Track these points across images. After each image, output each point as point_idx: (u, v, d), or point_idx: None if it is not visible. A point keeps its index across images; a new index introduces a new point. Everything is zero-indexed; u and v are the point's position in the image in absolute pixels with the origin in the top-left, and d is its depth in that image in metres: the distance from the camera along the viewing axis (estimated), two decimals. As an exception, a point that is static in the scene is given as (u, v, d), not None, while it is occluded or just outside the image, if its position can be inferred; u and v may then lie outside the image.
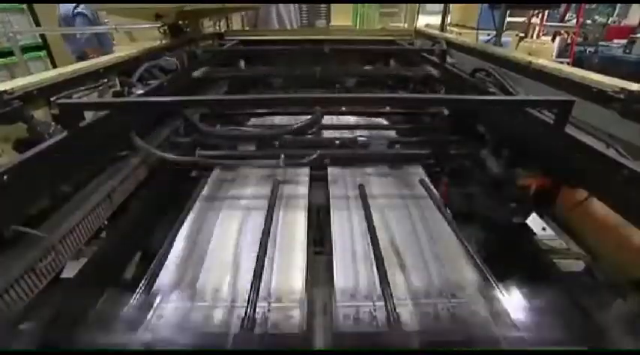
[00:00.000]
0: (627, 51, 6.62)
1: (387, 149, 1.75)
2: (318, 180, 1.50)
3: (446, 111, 1.93)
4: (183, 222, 1.22)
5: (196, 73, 2.15)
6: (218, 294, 0.98)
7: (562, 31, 7.05)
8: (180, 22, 2.54)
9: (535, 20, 6.04)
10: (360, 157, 1.65)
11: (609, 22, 8.72)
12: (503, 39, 3.59)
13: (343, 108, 2.06)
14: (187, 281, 1.03)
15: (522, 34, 5.49)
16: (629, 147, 0.99)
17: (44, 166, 0.91)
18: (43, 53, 5.43)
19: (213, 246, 1.17)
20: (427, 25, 3.96)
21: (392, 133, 1.92)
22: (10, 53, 4.69)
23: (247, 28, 4.51)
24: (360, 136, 1.71)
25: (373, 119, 2.15)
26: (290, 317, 0.91)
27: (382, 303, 0.85)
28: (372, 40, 3.06)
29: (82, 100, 1.31)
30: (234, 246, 1.17)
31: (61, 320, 0.90)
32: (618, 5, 9.15)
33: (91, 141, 1.09)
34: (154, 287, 0.97)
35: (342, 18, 5.70)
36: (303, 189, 1.39)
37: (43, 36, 5.36)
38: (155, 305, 0.95)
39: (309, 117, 1.50)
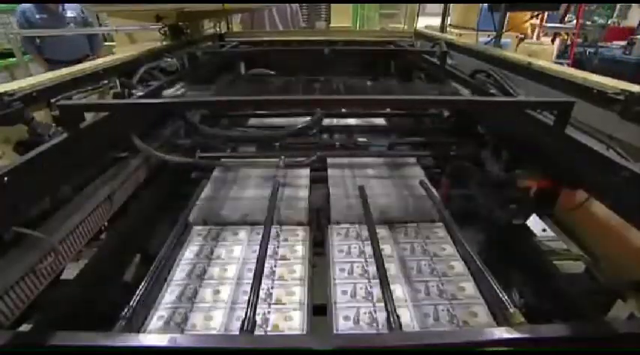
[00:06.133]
0: (627, 52, 6.62)
1: (387, 150, 1.76)
2: (319, 182, 1.50)
3: (446, 113, 1.94)
4: (183, 224, 1.22)
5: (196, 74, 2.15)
6: (218, 296, 0.98)
7: (562, 33, 7.06)
8: (180, 24, 2.55)
9: (535, 21, 6.05)
10: (361, 158, 1.65)
11: (609, 23, 8.73)
12: (503, 40, 3.58)
13: (343, 110, 2.06)
14: (187, 283, 1.03)
15: (522, 36, 5.50)
16: (629, 148, 0.99)
17: (45, 168, 0.91)
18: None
19: (214, 248, 1.17)
20: (427, 27, 3.97)
21: (392, 134, 1.93)
22: (11, 54, 4.69)
23: (240, 30, 4.48)
24: (361, 137, 1.71)
25: (373, 120, 2.15)
26: (290, 318, 0.91)
27: (382, 304, 0.85)
28: (372, 42, 3.07)
29: (82, 102, 1.31)
30: (233, 248, 1.17)
31: (61, 321, 0.90)
32: (618, 6, 9.15)
33: (92, 142, 1.09)
34: (154, 289, 0.98)
35: (341, 19, 5.71)
36: (303, 191, 1.39)
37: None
38: (155, 306, 0.95)
39: (309, 118, 1.50)
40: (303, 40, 2.94)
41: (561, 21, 7.36)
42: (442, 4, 3.76)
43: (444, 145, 1.68)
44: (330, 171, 1.53)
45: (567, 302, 1.02)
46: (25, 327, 0.86)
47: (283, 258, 1.12)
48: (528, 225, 1.30)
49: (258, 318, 0.84)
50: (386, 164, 1.62)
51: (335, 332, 0.88)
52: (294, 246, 1.18)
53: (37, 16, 4.19)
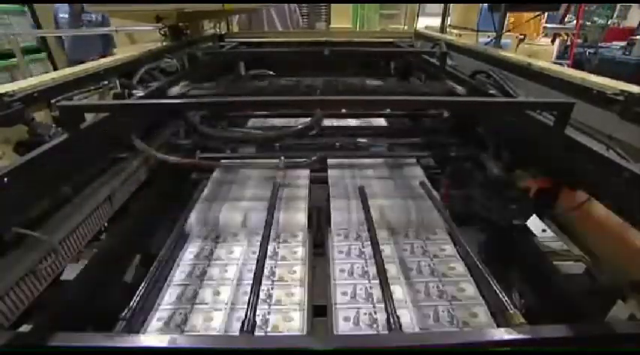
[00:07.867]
0: (627, 53, 6.62)
1: (387, 151, 1.76)
2: (319, 182, 1.50)
3: (446, 113, 1.93)
4: (183, 225, 1.22)
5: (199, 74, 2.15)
6: (218, 296, 0.98)
7: (562, 33, 7.06)
8: (180, 24, 2.55)
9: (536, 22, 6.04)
10: (361, 159, 1.65)
11: (609, 23, 8.73)
12: (503, 41, 3.59)
13: (343, 110, 2.06)
14: (187, 284, 1.03)
15: (522, 36, 5.49)
16: (629, 148, 0.99)
17: (45, 168, 0.91)
18: (43, 55, 5.43)
19: (213, 249, 1.17)
20: (427, 27, 3.97)
21: (392, 135, 1.92)
22: (11, 55, 4.69)
23: (238, 30, 4.46)
24: (361, 138, 1.71)
25: (373, 121, 2.15)
26: (290, 319, 0.91)
27: (382, 305, 0.85)
28: (373, 42, 3.07)
29: (82, 102, 1.31)
30: (233, 249, 1.17)
31: (61, 322, 0.90)
32: (618, 7, 9.15)
33: (92, 143, 1.09)
34: (154, 289, 0.98)
35: (341, 20, 5.70)
36: (303, 191, 1.39)
37: (43, 38, 5.36)
38: (155, 307, 0.95)
39: (309, 118, 1.50)
40: (303, 41, 2.95)
41: (561, 21, 7.36)
42: (442, 4, 3.76)
43: (444, 146, 1.68)
44: (330, 172, 1.53)
45: (567, 303, 1.01)
46: (25, 328, 0.85)
47: (283, 258, 1.12)
48: (528, 225, 1.30)
49: (258, 319, 0.84)
50: (386, 165, 1.62)
51: (335, 332, 0.88)
52: (294, 246, 1.17)
53: (61, 15, 4.57)
